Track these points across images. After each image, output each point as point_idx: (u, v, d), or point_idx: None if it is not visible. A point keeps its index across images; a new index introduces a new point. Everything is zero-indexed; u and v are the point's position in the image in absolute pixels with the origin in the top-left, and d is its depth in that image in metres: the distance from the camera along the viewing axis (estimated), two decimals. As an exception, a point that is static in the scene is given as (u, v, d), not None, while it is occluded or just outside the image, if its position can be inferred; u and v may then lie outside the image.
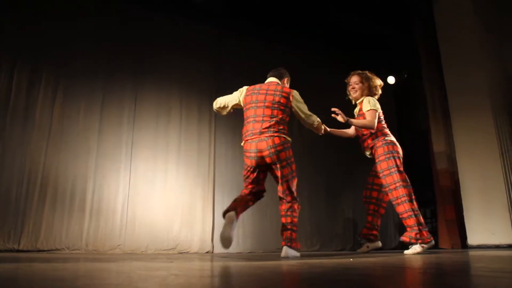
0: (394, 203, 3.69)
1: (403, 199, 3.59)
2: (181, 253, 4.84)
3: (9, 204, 4.24)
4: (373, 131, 3.79)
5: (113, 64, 5.22)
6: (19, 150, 4.42)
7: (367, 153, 3.95)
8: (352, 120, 3.68)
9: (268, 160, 3.17)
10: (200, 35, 5.93)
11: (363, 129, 3.85)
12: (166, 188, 5.13)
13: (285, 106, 3.29)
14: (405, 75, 7.32)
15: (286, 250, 3.13)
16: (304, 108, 3.39)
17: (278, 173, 3.19)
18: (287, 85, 3.58)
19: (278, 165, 3.17)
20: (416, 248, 3.51)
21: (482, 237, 4.89)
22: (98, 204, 4.69)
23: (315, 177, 6.11)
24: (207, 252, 5.04)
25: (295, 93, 3.36)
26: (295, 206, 3.21)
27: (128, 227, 4.76)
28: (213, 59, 5.94)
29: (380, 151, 3.76)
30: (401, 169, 3.69)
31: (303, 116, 3.40)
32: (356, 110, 4.02)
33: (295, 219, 3.20)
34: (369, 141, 3.86)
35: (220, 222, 5.35)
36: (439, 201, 5.81)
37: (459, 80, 5.44)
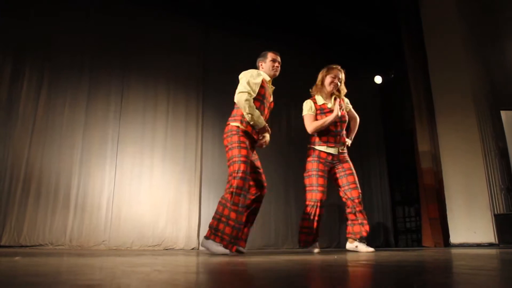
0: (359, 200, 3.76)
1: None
2: (166, 249, 4.82)
3: (-9, 199, 4.17)
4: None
5: (100, 58, 5.16)
6: (2, 144, 4.34)
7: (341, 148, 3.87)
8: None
9: None
10: (187, 31, 5.90)
11: (343, 125, 3.80)
12: (152, 184, 5.10)
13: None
14: (392, 75, 7.39)
15: (203, 242, 2.84)
16: (240, 85, 3.07)
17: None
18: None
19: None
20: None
21: (464, 236, 4.98)
22: (83, 199, 4.65)
23: (300, 175, 6.11)
24: (192, 249, 5.03)
25: (243, 72, 3.13)
26: (227, 196, 2.86)
27: (113, 223, 4.73)
28: (200, 56, 5.91)
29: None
30: None
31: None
32: (331, 104, 3.83)
33: (226, 210, 2.82)
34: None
35: (206, 218, 5.34)
36: (423, 199, 5.88)
37: (444, 80, 5.53)
